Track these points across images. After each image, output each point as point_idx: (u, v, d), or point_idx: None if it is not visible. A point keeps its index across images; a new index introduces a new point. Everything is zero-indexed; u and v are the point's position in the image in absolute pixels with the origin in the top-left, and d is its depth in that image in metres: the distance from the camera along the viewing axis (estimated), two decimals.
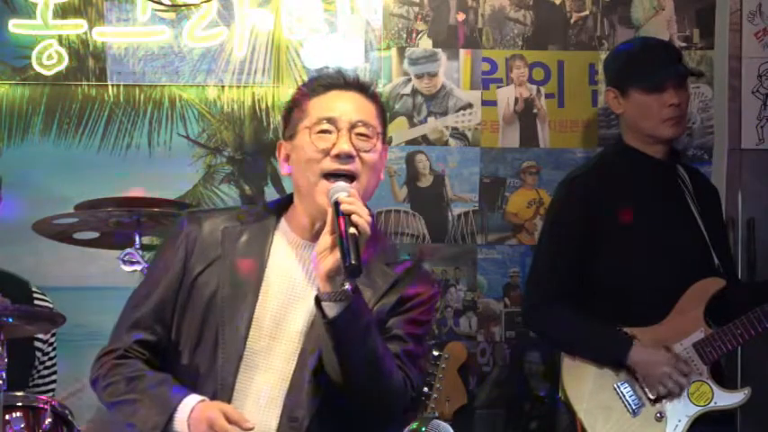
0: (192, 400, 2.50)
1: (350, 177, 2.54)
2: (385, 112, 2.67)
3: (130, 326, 2.62)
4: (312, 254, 2.50)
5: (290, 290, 2.58)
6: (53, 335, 4.24)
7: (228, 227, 2.63)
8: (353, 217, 2.40)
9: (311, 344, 2.52)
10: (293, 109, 2.64)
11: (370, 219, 2.43)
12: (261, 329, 2.56)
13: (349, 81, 2.65)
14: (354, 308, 2.42)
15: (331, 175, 2.52)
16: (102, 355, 2.65)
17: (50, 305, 4.24)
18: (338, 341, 2.43)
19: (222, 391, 2.53)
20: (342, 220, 2.39)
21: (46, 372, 4.27)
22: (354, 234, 2.38)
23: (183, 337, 2.59)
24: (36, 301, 4.20)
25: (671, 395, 3.67)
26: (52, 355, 4.29)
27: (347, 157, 2.52)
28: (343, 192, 2.46)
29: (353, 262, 2.34)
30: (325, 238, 2.42)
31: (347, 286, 2.42)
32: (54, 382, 4.28)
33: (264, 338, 2.56)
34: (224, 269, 2.58)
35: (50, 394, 4.16)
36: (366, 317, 2.47)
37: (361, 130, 2.57)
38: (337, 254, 2.38)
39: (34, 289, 4.26)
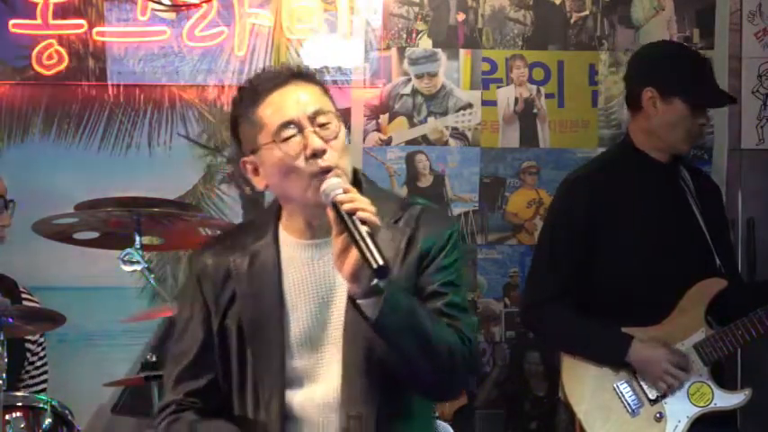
0: None
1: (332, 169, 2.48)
2: (326, 87, 2.59)
3: (176, 381, 2.61)
4: (315, 255, 2.50)
5: (313, 298, 2.53)
6: (42, 334, 4.23)
7: (233, 259, 2.58)
8: (359, 214, 2.33)
9: (352, 341, 2.47)
10: (240, 124, 2.55)
11: (373, 208, 2.36)
12: (300, 348, 2.52)
13: (285, 74, 2.55)
14: (391, 298, 2.36)
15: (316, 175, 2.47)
16: (159, 410, 2.64)
17: (38, 304, 4.22)
18: (388, 337, 2.38)
19: (274, 423, 2.50)
20: (350, 223, 2.33)
21: (36, 372, 4.26)
22: (368, 231, 2.32)
23: (229, 379, 2.57)
24: (24, 302, 4.19)
25: (671, 391, 3.67)
26: (42, 354, 4.29)
27: (323, 152, 2.46)
28: (338, 188, 2.39)
29: (381, 263, 2.28)
30: (337, 242, 2.36)
31: (375, 280, 2.35)
32: (45, 381, 4.27)
33: (306, 355, 2.52)
34: (243, 306, 2.54)
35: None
36: (405, 299, 2.41)
37: (321, 119, 2.49)
38: (355, 253, 2.32)
39: (22, 288, 4.25)
